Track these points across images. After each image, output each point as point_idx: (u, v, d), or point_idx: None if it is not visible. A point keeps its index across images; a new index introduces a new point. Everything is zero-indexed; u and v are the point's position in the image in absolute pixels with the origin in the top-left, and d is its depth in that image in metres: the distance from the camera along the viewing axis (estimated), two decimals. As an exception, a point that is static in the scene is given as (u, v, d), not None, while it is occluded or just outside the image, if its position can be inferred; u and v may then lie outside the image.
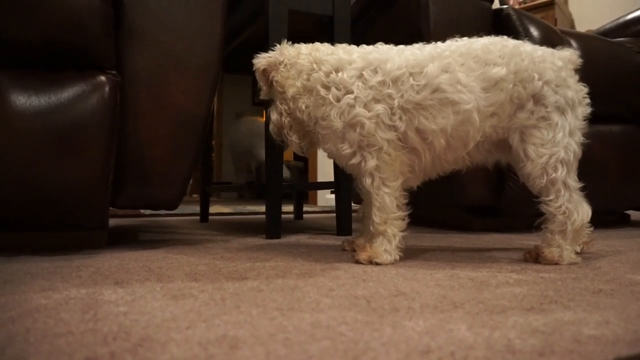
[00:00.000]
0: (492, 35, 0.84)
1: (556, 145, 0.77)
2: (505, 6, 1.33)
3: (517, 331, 0.41)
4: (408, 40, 0.88)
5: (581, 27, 3.77)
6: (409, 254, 0.84)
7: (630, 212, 1.61)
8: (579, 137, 0.81)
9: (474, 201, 1.28)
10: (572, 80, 0.82)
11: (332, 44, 0.88)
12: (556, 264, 0.75)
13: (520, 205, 1.30)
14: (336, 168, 1.23)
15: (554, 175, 0.77)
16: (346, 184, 1.22)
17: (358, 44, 0.88)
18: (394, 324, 0.43)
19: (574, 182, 0.79)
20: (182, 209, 2.06)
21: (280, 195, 1.14)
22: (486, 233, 1.25)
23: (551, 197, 0.78)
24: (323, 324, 0.43)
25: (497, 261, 0.80)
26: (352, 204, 1.29)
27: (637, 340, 0.37)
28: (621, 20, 1.74)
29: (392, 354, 0.36)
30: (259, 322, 0.44)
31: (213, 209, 2.16)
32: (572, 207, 0.77)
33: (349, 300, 0.52)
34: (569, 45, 1.31)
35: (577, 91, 0.81)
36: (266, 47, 0.92)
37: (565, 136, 0.78)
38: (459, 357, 0.35)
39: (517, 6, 3.71)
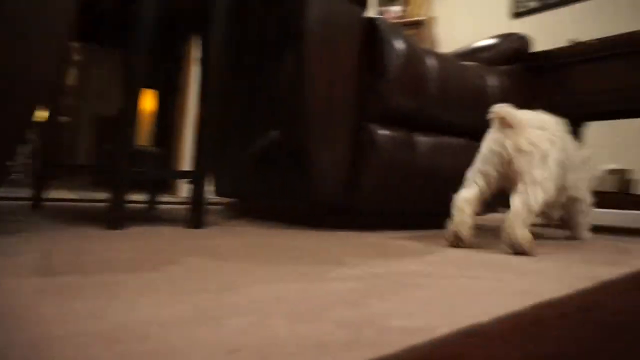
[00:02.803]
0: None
1: None
2: (377, 17, 1.41)
3: (331, 326, 0.42)
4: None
5: (446, 47, 4.19)
6: (248, 250, 0.83)
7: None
8: None
9: (327, 198, 1.33)
10: None
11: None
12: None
13: (373, 203, 1.38)
14: (198, 157, 1.18)
15: None
16: (202, 175, 1.18)
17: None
18: (217, 321, 0.41)
19: None
20: (10, 191, 1.80)
21: (126, 182, 1.05)
22: (339, 230, 1.31)
23: None
24: (138, 323, 0.39)
25: (338, 257, 0.83)
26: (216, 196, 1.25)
27: (432, 329, 0.41)
28: (472, 46, 1.96)
29: (192, 356, 0.34)
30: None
31: (56, 194, 1.93)
32: None
33: (173, 298, 0.49)
34: (428, 61, 1.43)
35: None
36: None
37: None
38: (266, 353, 0.35)
39: (393, 20, 3.98)
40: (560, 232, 1.52)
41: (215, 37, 1.16)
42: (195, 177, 1.18)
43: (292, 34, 1.29)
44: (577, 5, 3.41)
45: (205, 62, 1.16)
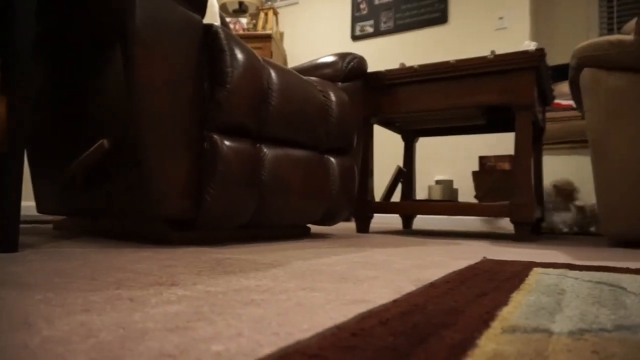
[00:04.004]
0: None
1: None
2: (217, 24, 1.37)
3: (144, 357, 0.37)
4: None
5: (294, 62, 4.34)
6: (66, 276, 0.72)
7: (310, 225, 1.88)
8: None
9: (171, 213, 1.24)
10: None
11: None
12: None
13: (218, 218, 1.33)
14: (3, 165, 0.99)
15: None
16: (14, 189, 1.00)
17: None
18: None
19: None
20: None
21: None
22: (183, 247, 1.22)
23: None
24: None
25: (173, 277, 0.77)
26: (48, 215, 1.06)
27: (254, 352, 0.39)
28: (314, 62, 2.04)
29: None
30: None
31: None
32: None
33: None
34: (268, 72, 1.44)
35: None
36: None
37: None
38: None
39: (241, 32, 3.97)
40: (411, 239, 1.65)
41: (20, 19, 0.98)
42: (4, 192, 0.99)
43: (117, 35, 1.18)
44: (406, 34, 3.84)
45: (8, 49, 0.98)
